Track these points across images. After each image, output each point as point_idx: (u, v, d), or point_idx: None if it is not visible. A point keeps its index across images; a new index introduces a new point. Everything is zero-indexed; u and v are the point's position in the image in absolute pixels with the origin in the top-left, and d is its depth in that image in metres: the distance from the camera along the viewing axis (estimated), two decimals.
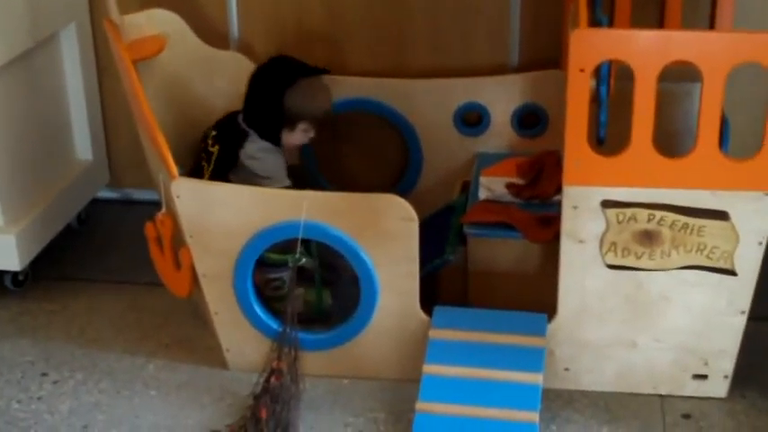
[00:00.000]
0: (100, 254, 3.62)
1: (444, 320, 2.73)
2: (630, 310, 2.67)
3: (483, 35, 3.54)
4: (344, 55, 3.61)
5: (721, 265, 2.58)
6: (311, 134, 3.11)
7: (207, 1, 3.59)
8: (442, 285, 2.99)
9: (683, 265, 2.59)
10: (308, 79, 3.04)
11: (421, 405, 2.52)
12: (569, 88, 2.43)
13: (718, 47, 2.37)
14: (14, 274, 3.32)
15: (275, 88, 2.98)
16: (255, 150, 3.00)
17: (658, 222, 2.54)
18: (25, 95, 3.31)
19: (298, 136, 3.07)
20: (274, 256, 2.83)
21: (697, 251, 2.56)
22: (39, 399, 2.83)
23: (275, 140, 3.05)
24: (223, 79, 3.30)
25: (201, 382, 2.88)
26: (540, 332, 2.68)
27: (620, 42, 2.42)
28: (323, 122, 3.15)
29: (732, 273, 2.58)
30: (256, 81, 3.04)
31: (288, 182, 3.01)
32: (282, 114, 2.99)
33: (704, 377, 2.73)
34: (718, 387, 2.75)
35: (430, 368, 2.60)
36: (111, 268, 3.52)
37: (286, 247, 2.74)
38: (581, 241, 2.60)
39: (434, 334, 2.69)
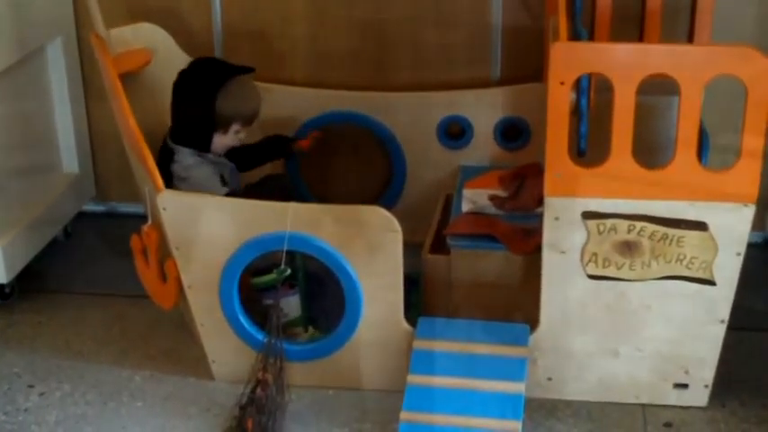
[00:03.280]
0: (86, 267, 3.63)
1: (428, 331, 2.76)
2: (612, 320, 2.70)
3: (465, 48, 3.57)
4: (328, 69, 3.64)
5: (701, 275, 2.61)
6: (242, 135, 3.06)
7: (192, 15, 3.62)
8: (425, 296, 3.01)
9: (663, 275, 2.62)
10: (237, 78, 2.99)
11: (405, 415, 2.54)
12: (550, 101, 2.47)
13: (694, 60, 2.41)
14: (1, 286, 3.33)
15: (205, 92, 2.92)
16: (182, 170, 2.95)
17: (638, 233, 2.58)
18: (11, 109, 3.33)
19: (230, 138, 3.02)
20: (264, 279, 2.87)
21: (677, 261, 2.60)
22: (25, 410, 2.84)
23: (205, 146, 3.02)
24: None
25: (188, 394, 2.89)
26: (523, 342, 2.71)
27: (599, 56, 2.46)
28: (252, 121, 3.12)
29: (711, 283, 2.62)
30: (182, 87, 2.99)
31: (223, 190, 2.97)
32: (213, 118, 2.95)
33: (685, 386, 2.77)
34: (699, 396, 2.78)
35: (414, 378, 2.63)
36: (97, 281, 3.53)
37: (268, 267, 2.78)
38: (562, 252, 2.63)
39: (418, 344, 2.72)
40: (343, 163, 3.74)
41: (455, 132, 3.55)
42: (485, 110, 3.49)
